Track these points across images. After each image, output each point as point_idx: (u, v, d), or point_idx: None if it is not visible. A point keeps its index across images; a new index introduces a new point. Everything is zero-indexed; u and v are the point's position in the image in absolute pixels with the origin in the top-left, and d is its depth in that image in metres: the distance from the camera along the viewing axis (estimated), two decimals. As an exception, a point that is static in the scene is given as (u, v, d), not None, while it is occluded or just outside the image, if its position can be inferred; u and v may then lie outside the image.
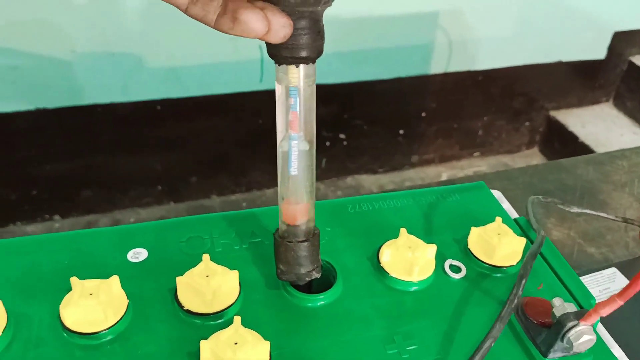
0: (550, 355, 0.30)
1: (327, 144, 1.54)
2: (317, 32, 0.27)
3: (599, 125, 1.74)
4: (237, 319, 0.28)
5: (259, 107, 1.38)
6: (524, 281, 0.31)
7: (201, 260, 0.32)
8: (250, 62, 1.32)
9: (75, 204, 1.39)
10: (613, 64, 1.74)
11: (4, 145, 1.27)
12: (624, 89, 1.80)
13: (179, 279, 0.31)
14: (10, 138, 1.27)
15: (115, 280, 0.30)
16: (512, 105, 1.69)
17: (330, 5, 0.27)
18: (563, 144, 1.73)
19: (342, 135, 1.55)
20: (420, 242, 0.34)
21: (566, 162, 0.82)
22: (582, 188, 0.76)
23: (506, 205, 0.41)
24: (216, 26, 0.25)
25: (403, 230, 0.35)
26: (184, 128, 1.39)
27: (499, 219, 0.36)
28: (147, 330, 0.30)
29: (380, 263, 0.34)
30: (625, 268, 0.48)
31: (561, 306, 0.30)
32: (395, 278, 0.34)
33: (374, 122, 1.56)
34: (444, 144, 1.68)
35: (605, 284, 0.46)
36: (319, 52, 0.28)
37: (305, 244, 0.31)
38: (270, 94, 1.40)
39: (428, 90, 1.56)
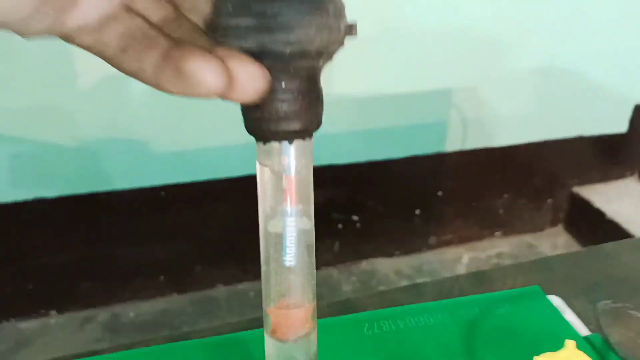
0: None
1: (340, 226, 1.46)
2: (316, 96, 0.20)
3: (625, 201, 1.65)
4: None
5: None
6: None
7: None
8: (257, 145, 1.28)
9: (72, 298, 1.31)
10: (636, 137, 1.68)
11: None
12: (649, 163, 1.73)
13: None
14: (7, 229, 1.21)
15: None
16: (533, 183, 1.62)
17: (332, 61, 0.20)
18: (589, 222, 1.64)
19: (355, 217, 1.48)
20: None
21: (609, 247, 0.72)
22: (634, 279, 0.66)
23: (570, 316, 0.32)
24: (156, 83, 0.17)
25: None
26: (188, 214, 1.33)
27: (570, 344, 0.27)
28: None
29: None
30: None
31: None
32: None
33: (389, 202, 1.49)
34: (463, 225, 1.59)
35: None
36: (318, 122, 0.21)
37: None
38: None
39: (444, 169, 1.50)
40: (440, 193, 1.53)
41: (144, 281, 1.35)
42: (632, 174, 1.76)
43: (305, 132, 0.20)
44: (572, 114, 1.56)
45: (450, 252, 1.57)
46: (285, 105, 0.19)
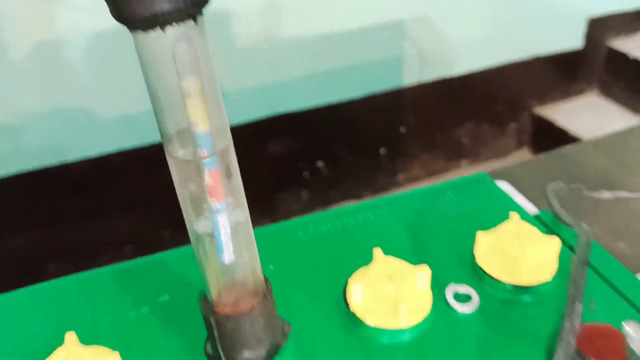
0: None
1: (306, 174, 1.44)
2: None
3: (587, 116, 1.66)
4: None
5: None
6: (578, 306, 0.19)
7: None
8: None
9: (40, 280, 1.27)
10: (592, 52, 1.68)
11: (-50, 225, 1.16)
12: (607, 76, 1.73)
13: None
14: (-45, 215, 1.16)
15: None
16: (494, 109, 1.62)
17: None
18: (554, 141, 1.65)
19: (320, 164, 1.45)
20: (404, 264, 0.23)
21: (571, 149, 0.71)
22: (596, 178, 0.65)
23: (520, 199, 0.30)
24: None
25: (377, 253, 0.23)
26: (147, 179, 1.28)
27: (514, 215, 0.25)
28: None
29: (349, 307, 0.23)
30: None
31: (639, 333, 0.18)
32: (375, 327, 0.22)
33: (353, 144, 1.47)
34: (429, 158, 1.59)
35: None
36: None
37: (254, 314, 0.19)
38: (239, 129, 1.32)
39: (405, 104, 1.48)
40: (403, 129, 1.51)
41: (111, 254, 1.32)
42: (591, 89, 1.77)
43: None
44: (526, 34, 1.54)
45: (418, 187, 1.57)
46: None
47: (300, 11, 1.22)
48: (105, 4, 0.15)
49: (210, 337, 0.20)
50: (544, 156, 0.69)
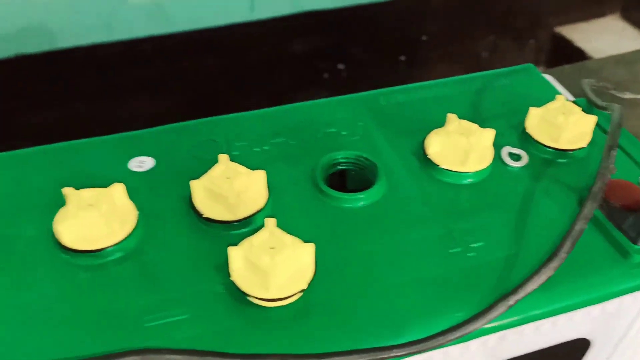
0: (643, 242, 0.26)
1: (326, 75, 1.48)
2: None
3: (606, 39, 1.67)
4: (271, 222, 0.23)
5: (250, 39, 1.30)
6: (613, 152, 0.26)
7: (217, 162, 0.26)
8: (239, -10, 1.25)
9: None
10: (618, -26, 1.66)
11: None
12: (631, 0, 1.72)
13: (194, 183, 0.25)
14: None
15: (118, 188, 0.25)
16: (515, 24, 1.62)
17: None
18: (570, 61, 1.67)
19: (340, 66, 1.49)
20: (475, 126, 0.29)
21: (592, 64, 0.76)
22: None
23: (561, 88, 0.36)
24: None
25: (451, 116, 0.29)
26: (172, 67, 1.32)
27: (560, 97, 0.30)
28: (162, 245, 0.25)
29: (427, 155, 0.29)
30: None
31: (654, 182, 0.25)
32: (447, 170, 0.29)
33: (373, 49, 1.49)
34: (447, 69, 1.61)
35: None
36: None
37: None
38: (264, 25, 1.33)
39: (428, 13, 1.49)
40: (424, 37, 1.53)
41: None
42: (613, 12, 1.76)
43: None
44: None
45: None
46: None
47: None
48: None
49: None
50: (568, 68, 0.74)
